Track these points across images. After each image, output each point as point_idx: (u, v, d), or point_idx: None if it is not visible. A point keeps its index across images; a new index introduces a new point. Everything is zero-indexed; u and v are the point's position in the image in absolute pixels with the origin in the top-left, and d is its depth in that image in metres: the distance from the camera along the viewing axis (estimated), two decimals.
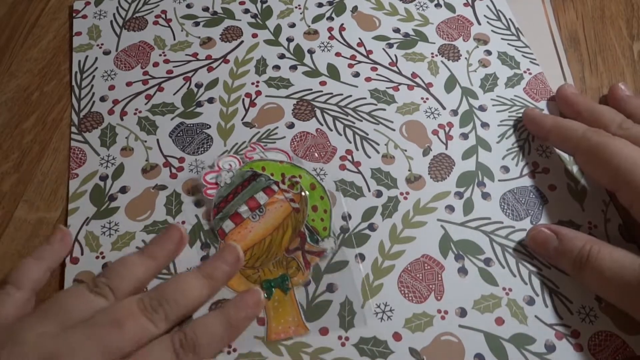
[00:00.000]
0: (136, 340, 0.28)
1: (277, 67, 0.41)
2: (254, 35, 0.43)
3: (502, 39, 0.42)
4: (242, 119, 0.38)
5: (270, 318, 0.31)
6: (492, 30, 0.43)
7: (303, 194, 0.35)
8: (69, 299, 0.29)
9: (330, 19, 0.44)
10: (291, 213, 0.34)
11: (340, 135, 0.38)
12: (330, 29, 0.43)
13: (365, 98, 0.39)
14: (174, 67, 0.41)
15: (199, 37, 0.43)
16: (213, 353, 0.29)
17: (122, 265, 0.31)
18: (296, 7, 0.44)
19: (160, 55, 0.42)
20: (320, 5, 0.45)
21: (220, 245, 0.33)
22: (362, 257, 0.33)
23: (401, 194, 0.35)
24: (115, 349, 0.27)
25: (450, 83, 0.40)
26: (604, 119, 0.34)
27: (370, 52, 0.42)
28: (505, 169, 0.36)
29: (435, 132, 0.38)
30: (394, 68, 0.41)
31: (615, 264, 0.29)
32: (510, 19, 0.43)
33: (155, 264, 0.32)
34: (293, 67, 0.41)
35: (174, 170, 0.36)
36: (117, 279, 0.30)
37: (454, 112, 0.39)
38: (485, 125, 0.38)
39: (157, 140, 0.38)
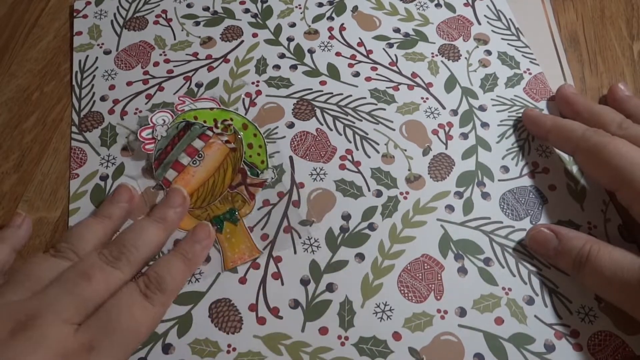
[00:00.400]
0: (106, 288, 0.28)
1: (277, 67, 0.41)
2: (254, 35, 0.43)
3: (502, 39, 0.42)
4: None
5: (225, 249, 0.33)
6: (492, 30, 0.43)
7: (238, 136, 0.36)
8: (34, 266, 0.29)
9: (331, 18, 0.44)
10: (229, 153, 0.36)
11: (340, 135, 0.38)
12: (330, 29, 0.43)
13: (365, 98, 0.39)
14: (174, 66, 0.41)
15: (200, 37, 0.43)
16: (178, 287, 0.31)
17: (80, 227, 0.32)
18: (296, 7, 0.44)
19: (160, 54, 0.42)
20: (320, 5, 0.45)
21: (165, 192, 0.35)
22: (361, 256, 0.33)
23: (401, 193, 0.35)
24: (89, 300, 0.28)
25: (450, 83, 0.40)
26: (604, 119, 0.34)
27: (370, 51, 0.42)
28: (505, 168, 0.36)
29: (435, 132, 0.38)
30: (394, 68, 0.41)
31: (614, 264, 0.29)
32: (510, 19, 0.43)
33: (111, 222, 0.33)
34: (293, 67, 0.41)
35: None
36: (77, 240, 0.31)
37: (454, 112, 0.39)
38: (485, 125, 0.38)
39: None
